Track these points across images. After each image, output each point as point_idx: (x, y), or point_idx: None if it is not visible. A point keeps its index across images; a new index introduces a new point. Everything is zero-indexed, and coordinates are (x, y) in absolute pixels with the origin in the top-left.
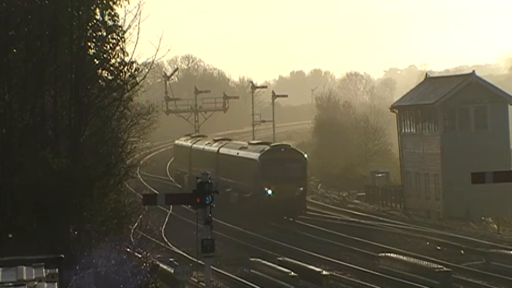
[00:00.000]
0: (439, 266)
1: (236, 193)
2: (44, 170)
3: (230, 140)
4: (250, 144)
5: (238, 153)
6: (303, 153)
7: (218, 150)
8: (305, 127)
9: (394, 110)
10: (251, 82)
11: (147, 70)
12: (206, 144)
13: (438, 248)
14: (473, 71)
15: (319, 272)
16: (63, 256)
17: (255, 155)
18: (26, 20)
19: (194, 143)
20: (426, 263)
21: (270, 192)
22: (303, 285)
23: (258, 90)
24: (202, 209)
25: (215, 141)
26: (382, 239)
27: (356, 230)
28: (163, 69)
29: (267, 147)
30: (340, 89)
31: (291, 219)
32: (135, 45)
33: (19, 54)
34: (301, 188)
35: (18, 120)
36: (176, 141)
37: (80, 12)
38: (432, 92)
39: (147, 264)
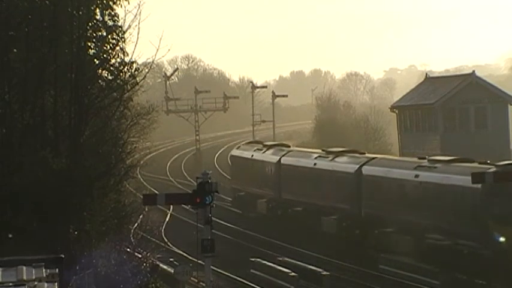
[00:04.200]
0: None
1: (409, 237)
2: (44, 170)
3: (364, 153)
4: (436, 161)
5: (417, 176)
6: None
7: (358, 170)
8: (305, 127)
9: (394, 110)
10: (251, 82)
11: (147, 70)
12: (318, 158)
13: None
14: (473, 71)
15: (319, 272)
16: (63, 256)
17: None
18: (26, 20)
19: (285, 156)
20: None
21: (501, 239)
22: (303, 285)
23: (258, 90)
24: (202, 209)
25: (335, 154)
26: None
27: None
28: (163, 69)
29: (492, 168)
30: (340, 89)
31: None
32: (135, 45)
33: (19, 54)
34: None
35: (18, 120)
36: (235, 152)
37: (80, 12)
38: (432, 92)
39: (147, 264)
